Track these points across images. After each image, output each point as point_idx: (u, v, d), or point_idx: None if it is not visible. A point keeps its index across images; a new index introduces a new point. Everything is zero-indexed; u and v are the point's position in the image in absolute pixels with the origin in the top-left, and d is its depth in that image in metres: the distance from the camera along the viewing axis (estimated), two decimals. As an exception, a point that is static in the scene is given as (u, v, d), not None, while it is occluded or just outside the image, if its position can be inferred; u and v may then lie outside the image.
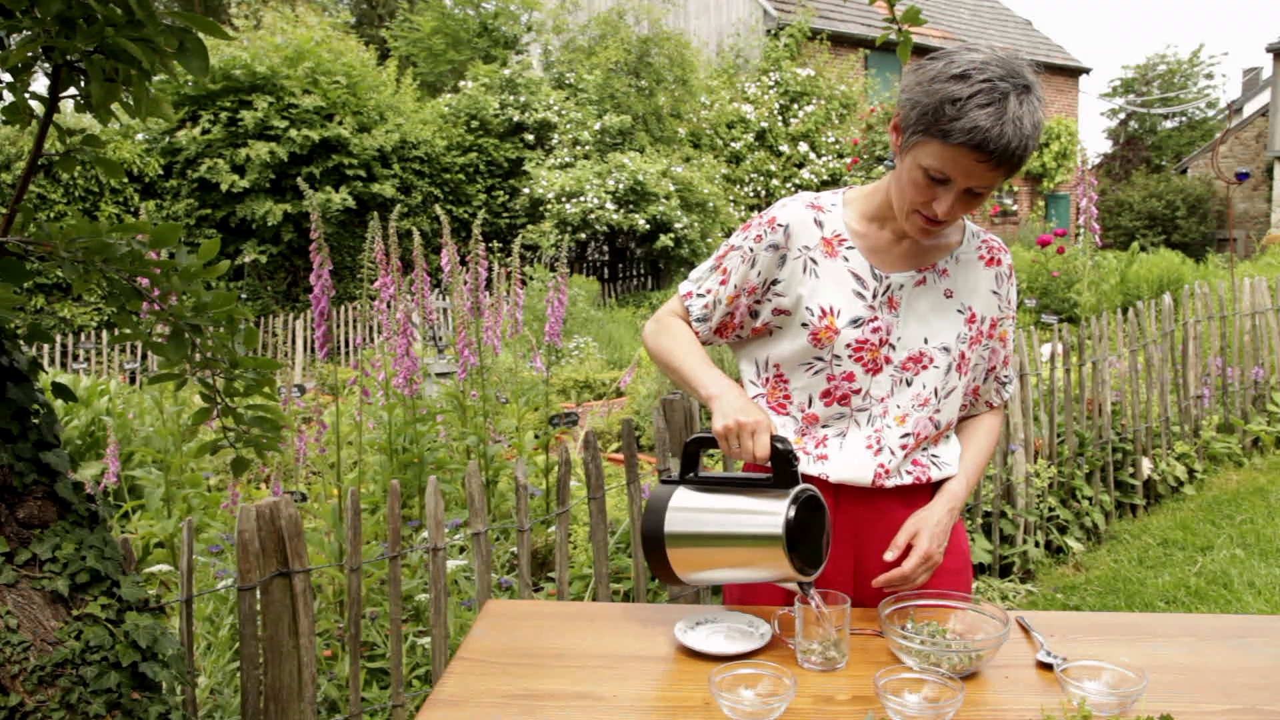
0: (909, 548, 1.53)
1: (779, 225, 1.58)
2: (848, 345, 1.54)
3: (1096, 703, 1.21)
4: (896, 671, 1.29)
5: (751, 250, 1.59)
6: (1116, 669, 1.28)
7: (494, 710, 1.28)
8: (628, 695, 1.32)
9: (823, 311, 1.54)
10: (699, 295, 1.66)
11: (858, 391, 1.56)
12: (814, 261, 1.56)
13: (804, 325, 1.55)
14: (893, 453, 1.56)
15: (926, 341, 1.57)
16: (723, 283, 1.62)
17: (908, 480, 1.58)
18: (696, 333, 1.66)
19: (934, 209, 1.44)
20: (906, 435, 1.56)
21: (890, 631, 1.37)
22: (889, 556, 1.53)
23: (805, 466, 1.57)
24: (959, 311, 1.59)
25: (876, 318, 1.55)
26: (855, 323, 1.54)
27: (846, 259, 1.57)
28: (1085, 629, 1.52)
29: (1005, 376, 1.73)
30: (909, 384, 1.57)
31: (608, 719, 1.26)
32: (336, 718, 2.44)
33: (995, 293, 1.64)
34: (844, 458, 1.56)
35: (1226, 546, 4.18)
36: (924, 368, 1.57)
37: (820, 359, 1.55)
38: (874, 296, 1.55)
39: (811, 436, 1.58)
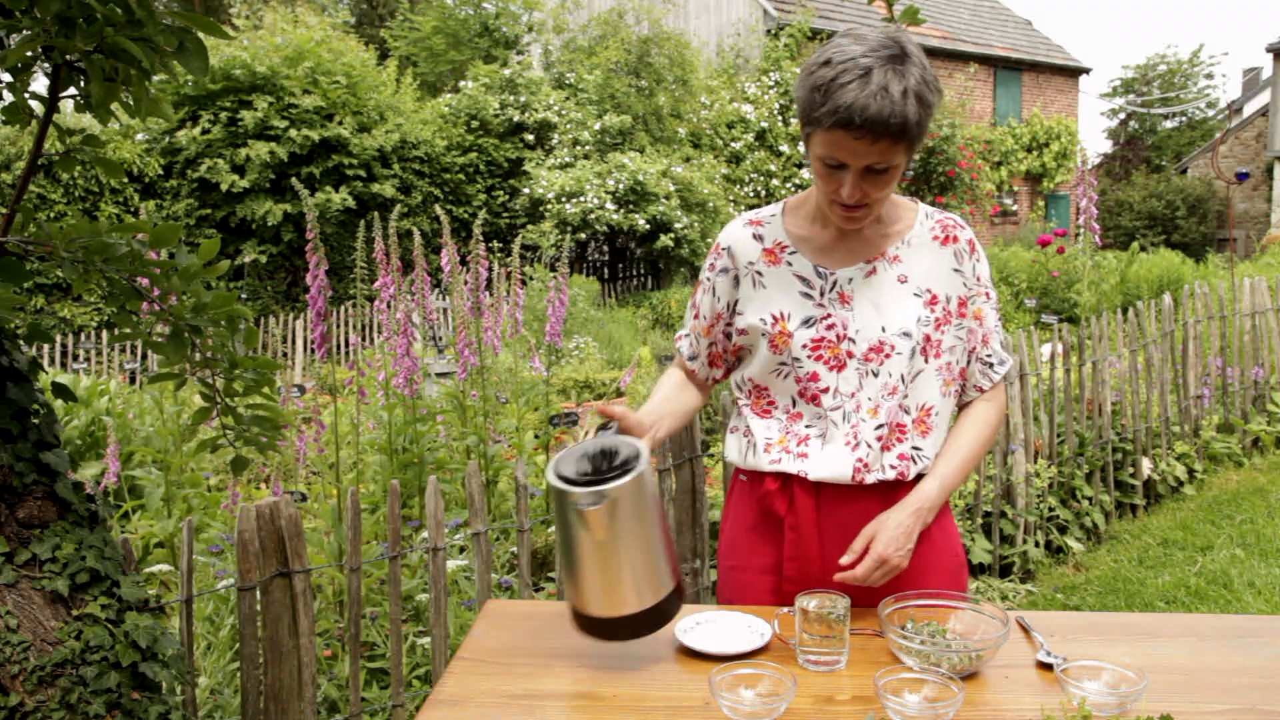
0: (866, 551, 1.51)
1: (723, 249, 1.67)
2: (804, 346, 1.57)
3: (1096, 703, 1.21)
4: (896, 671, 1.29)
5: (709, 280, 1.68)
6: (1116, 669, 1.28)
7: (494, 710, 1.28)
8: (628, 695, 1.32)
9: (774, 318, 1.59)
10: (685, 336, 1.76)
11: (826, 390, 1.57)
12: (759, 274, 1.62)
13: (764, 335, 1.60)
14: (869, 446, 1.55)
15: (884, 330, 1.56)
16: (696, 317, 1.72)
17: (891, 475, 1.57)
18: (693, 372, 1.74)
19: (841, 194, 1.47)
20: (881, 426, 1.56)
21: (890, 631, 1.37)
22: (844, 561, 1.52)
23: (785, 465, 1.59)
24: (916, 295, 1.58)
25: (829, 314, 1.57)
26: (807, 322, 1.57)
27: (790, 264, 1.61)
28: (1085, 629, 1.52)
29: (989, 356, 1.65)
30: (875, 375, 1.56)
31: (608, 719, 1.26)
32: (336, 718, 2.44)
33: (957, 270, 1.61)
34: (823, 456, 1.57)
35: (1226, 546, 4.18)
36: (887, 356, 1.56)
37: (784, 364, 1.59)
38: (821, 294, 1.58)
39: (794, 435, 1.60)
